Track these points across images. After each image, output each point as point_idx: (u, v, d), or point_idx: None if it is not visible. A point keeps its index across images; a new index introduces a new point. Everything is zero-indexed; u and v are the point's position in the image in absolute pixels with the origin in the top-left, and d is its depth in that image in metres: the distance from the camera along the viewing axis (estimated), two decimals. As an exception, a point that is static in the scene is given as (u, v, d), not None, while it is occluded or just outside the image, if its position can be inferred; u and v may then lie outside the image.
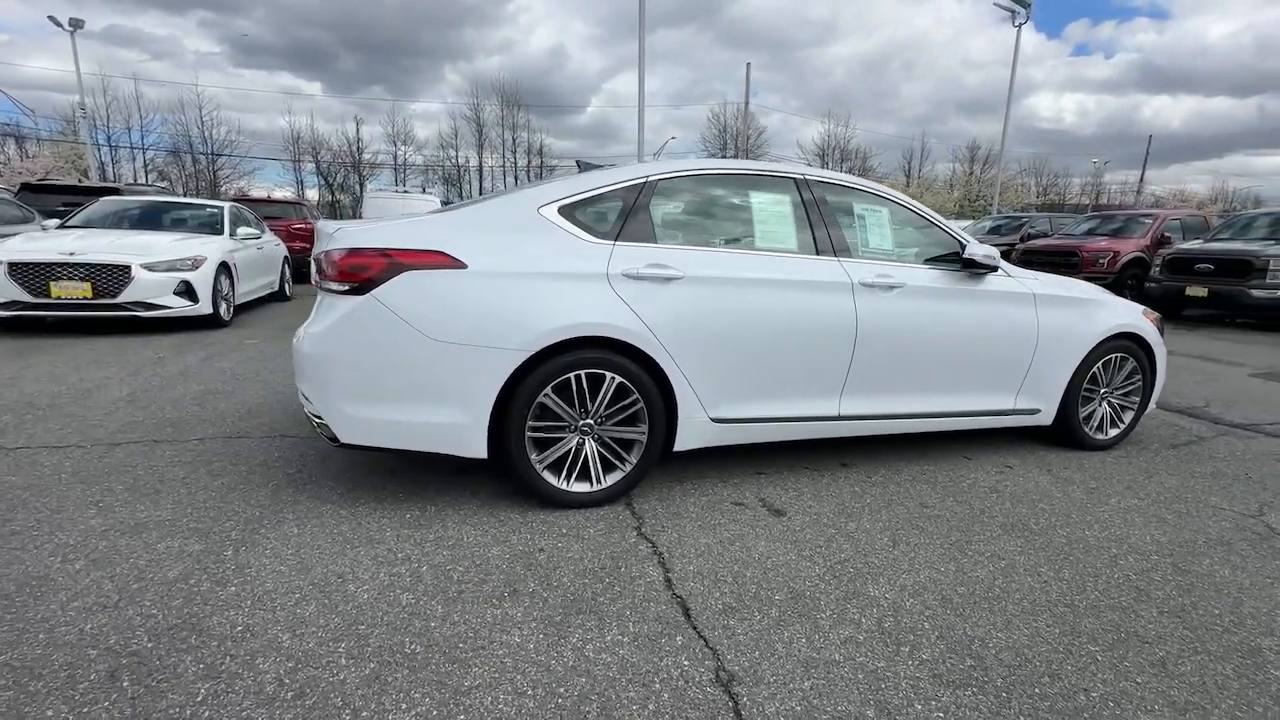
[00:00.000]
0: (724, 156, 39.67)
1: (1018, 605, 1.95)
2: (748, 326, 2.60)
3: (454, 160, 37.56)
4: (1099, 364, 3.36)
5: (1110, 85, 71.60)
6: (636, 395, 2.46)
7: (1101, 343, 3.32)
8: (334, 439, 2.31)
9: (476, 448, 2.34)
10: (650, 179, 2.62)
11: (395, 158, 37.29)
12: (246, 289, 7.17)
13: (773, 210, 2.81)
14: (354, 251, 2.23)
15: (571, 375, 2.36)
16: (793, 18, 68.11)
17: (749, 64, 30.06)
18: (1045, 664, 1.67)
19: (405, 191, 12.16)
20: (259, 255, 7.67)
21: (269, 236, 8.36)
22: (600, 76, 66.95)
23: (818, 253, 2.80)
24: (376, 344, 2.21)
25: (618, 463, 2.53)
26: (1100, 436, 3.47)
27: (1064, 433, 3.42)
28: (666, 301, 2.47)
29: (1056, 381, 3.29)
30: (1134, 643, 1.78)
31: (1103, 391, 3.46)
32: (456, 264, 2.26)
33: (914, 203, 3.12)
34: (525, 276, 2.32)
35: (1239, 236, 9.94)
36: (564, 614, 1.80)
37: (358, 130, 37.10)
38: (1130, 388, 3.52)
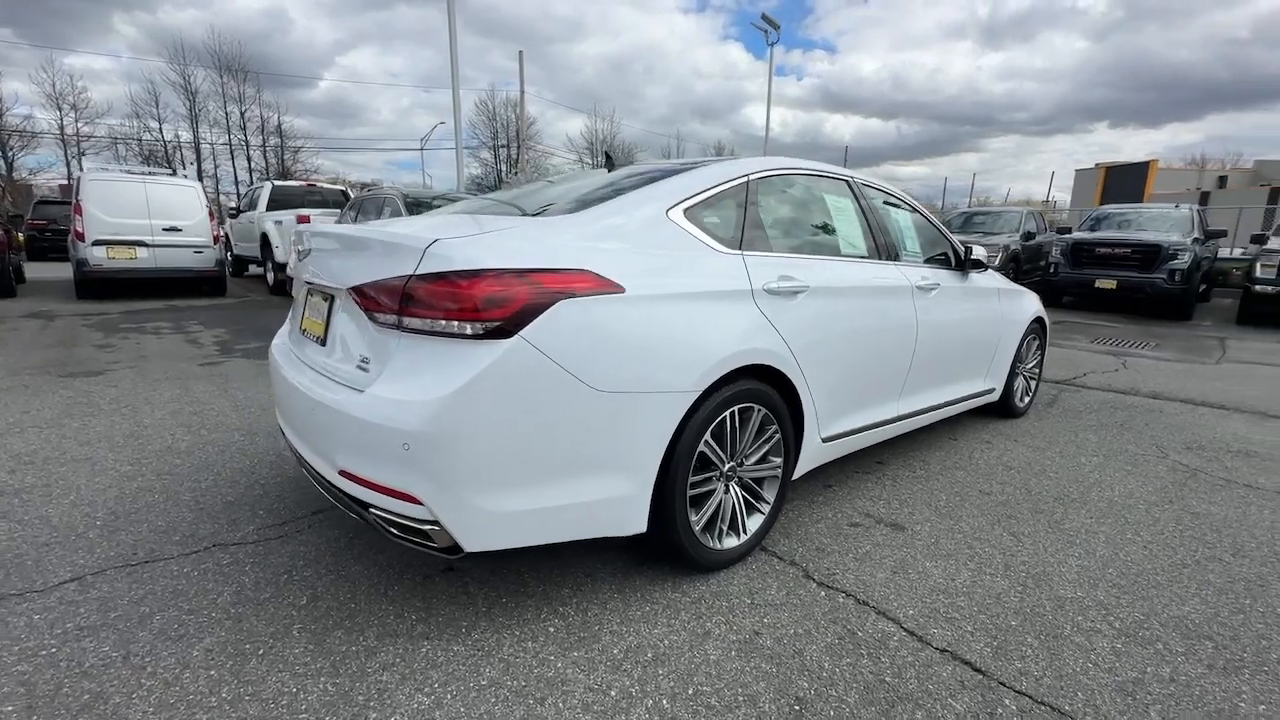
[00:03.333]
0: (500, 145, 38.31)
1: (1159, 575, 2.17)
2: (851, 336, 2.47)
3: (157, 134, 29.75)
4: (1023, 344, 3.98)
5: (802, 103, 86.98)
6: (776, 426, 2.16)
7: (1028, 326, 3.93)
8: (452, 549, 1.58)
9: (638, 521, 1.82)
10: (751, 177, 2.30)
11: (61, 126, 28.15)
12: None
13: (845, 213, 2.70)
14: (489, 275, 1.53)
15: (727, 413, 1.97)
16: (539, 12, 68.54)
17: (521, 52, 29.06)
18: (1247, 629, 1.88)
19: (151, 173, 9.17)
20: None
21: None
22: (333, 49, 59.27)
23: (880, 257, 2.78)
24: (529, 404, 1.55)
25: (757, 504, 2.21)
26: (1021, 405, 4.12)
27: (1002, 406, 3.98)
28: (796, 316, 2.20)
29: (1005, 362, 3.80)
30: (1256, 589, 2.11)
31: (1020, 368, 4.10)
32: (612, 287, 1.70)
33: (920, 206, 3.30)
34: (683, 298, 1.85)
35: (959, 231, 12.81)
36: (883, 714, 1.49)
37: (-10, 84, 27.02)
38: (1034, 363, 4.24)
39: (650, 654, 1.67)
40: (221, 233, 9.56)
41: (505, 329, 1.52)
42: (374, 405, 1.54)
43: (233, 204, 13.63)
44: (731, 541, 2.10)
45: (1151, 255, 9.28)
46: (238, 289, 10.50)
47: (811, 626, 1.81)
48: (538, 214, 1.95)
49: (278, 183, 10.97)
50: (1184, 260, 9.05)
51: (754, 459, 2.15)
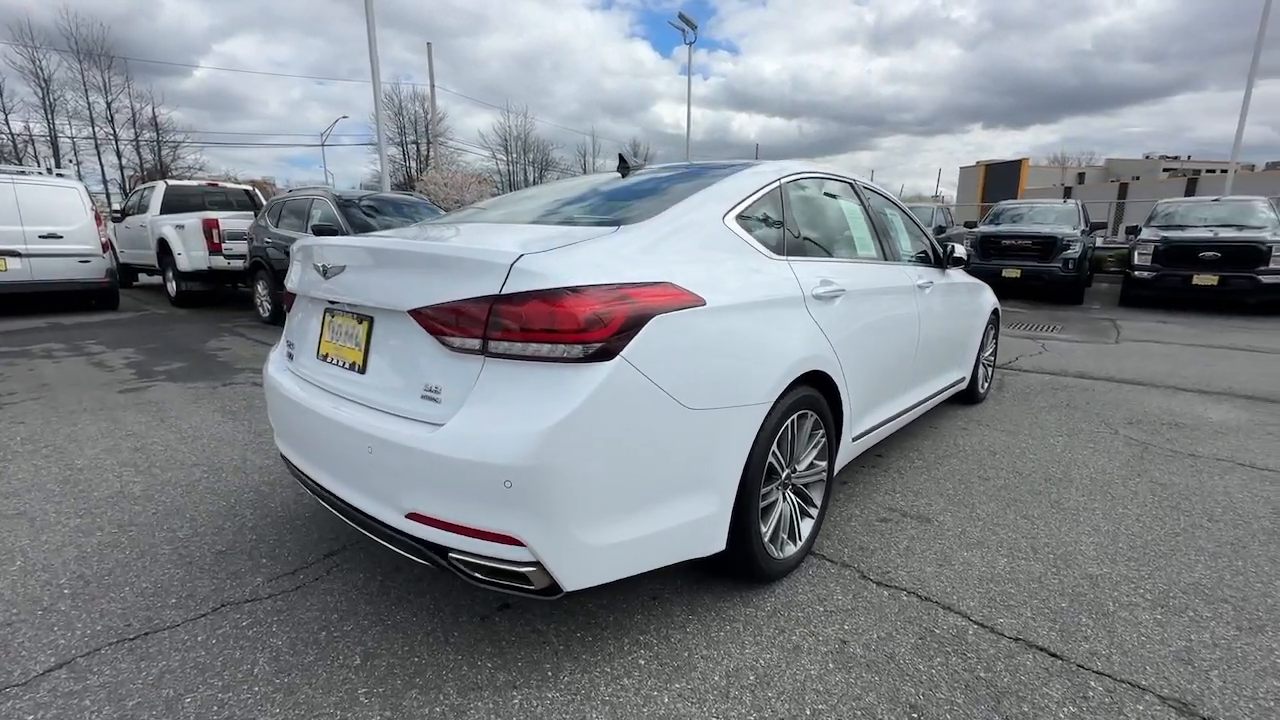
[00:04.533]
0: (410, 141, 36.67)
1: (1161, 545, 2.37)
2: (874, 337, 2.53)
3: (2, 126, 25.95)
4: (985, 335, 4.25)
5: (709, 101, 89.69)
6: (823, 430, 2.17)
7: (988, 318, 4.20)
8: (549, 590, 1.46)
9: (719, 539, 1.76)
10: (781, 181, 2.29)
11: None
12: None
13: (855, 215, 2.76)
14: (585, 292, 1.41)
15: (788, 421, 1.96)
16: (440, 4, 66.24)
17: (429, 44, 27.80)
18: (1251, 589, 2.08)
19: (20, 171, 7.95)
20: None
21: None
22: (208, 35, 54.37)
23: (885, 258, 2.86)
24: (630, 429, 1.46)
25: (808, 509, 2.21)
26: (982, 392, 4.41)
27: (967, 393, 4.23)
28: (836, 320, 2.22)
29: (973, 352, 4.04)
30: (1241, 550, 2.34)
31: (981, 356, 4.38)
32: (694, 300, 1.63)
33: (904, 205, 3.42)
34: (754, 308, 1.81)
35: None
36: (994, 710, 1.52)
37: None
38: (990, 351, 4.54)
39: (752, 676, 1.62)
40: (107, 239, 8.48)
41: (608, 350, 1.42)
42: (462, 440, 1.39)
43: (116, 206, 12.05)
44: (790, 549, 2.09)
45: (1049, 246, 10.22)
46: (131, 302, 9.38)
47: (891, 629, 1.83)
48: (594, 224, 1.84)
49: (172, 182, 9.87)
50: (1075, 250, 10.04)
51: (804, 465, 2.15)
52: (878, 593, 2.03)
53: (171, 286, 8.92)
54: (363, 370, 1.70)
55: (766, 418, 1.81)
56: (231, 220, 8.48)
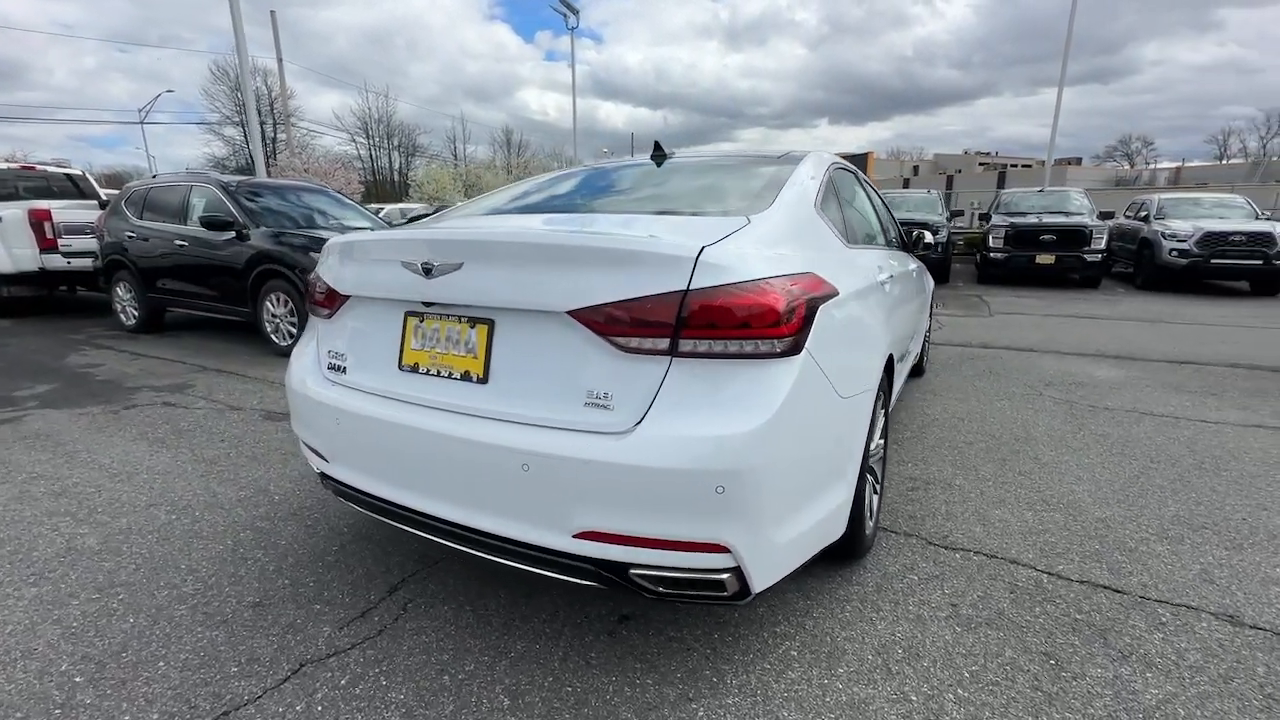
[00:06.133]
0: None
1: (1133, 487, 2.77)
2: (901, 318, 2.70)
3: None
4: (930, 312, 4.67)
5: (576, 89, 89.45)
6: (884, 409, 2.29)
7: (930, 298, 4.63)
8: (740, 594, 1.40)
9: (842, 524, 1.79)
10: (830, 171, 2.35)
11: None
12: None
13: (868, 203, 2.89)
14: (770, 284, 1.36)
15: (876, 402, 2.04)
16: (276, -35, 59.52)
17: (273, 12, 24.68)
18: (1216, 514, 2.50)
19: None
20: None
21: None
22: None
23: (889, 244, 3.04)
24: (810, 422, 1.44)
25: (876, 485, 2.31)
26: (925, 365, 4.86)
27: (917, 367, 4.63)
28: (889, 305, 2.34)
29: (925, 327, 4.43)
30: (1189, 485, 2.81)
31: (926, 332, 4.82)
32: (833, 290, 1.63)
33: (882, 195, 3.65)
34: (862, 295, 1.87)
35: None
36: (1106, 644, 1.71)
37: None
38: (928, 327, 5.00)
39: (900, 651, 1.68)
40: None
41: (798, 343, 1.38)
42: (659, 447, 1.28)
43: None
44: (870, 525, 2.18)
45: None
46: (-76, 313, 7.52)
47: (984, 589, 1.99)
48: (720, 215, 1.76)
49: (-28, 165, 8.01)
50: (943, 235, 11.29)
51: (874, 444, 2.25)
52: (950, 556, 2.18)
53: (-14, 293, 7.28)
54: (483, 380, 1.52)
55: (875, 401, 1.88)
56: (69, 211, 7.08)
